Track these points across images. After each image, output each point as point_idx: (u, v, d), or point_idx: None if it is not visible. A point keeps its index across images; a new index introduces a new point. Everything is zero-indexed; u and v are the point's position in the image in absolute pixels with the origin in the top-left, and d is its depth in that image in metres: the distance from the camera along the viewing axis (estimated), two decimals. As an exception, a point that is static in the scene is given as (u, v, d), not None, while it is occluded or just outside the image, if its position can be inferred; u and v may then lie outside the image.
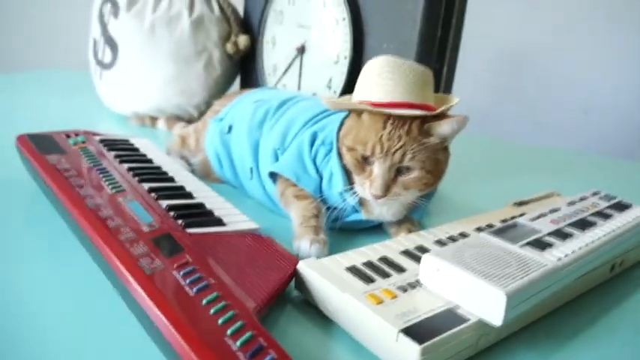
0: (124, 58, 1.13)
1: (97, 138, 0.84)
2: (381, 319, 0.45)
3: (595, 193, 0.72)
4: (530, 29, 2.13)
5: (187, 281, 0.45)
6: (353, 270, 0.54)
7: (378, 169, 0.63)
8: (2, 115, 1.19)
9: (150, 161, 0.78)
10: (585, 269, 0.55)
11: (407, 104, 0.62)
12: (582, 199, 0.70)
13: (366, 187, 0.64)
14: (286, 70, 1.07)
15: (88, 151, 0.75)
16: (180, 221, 0.58)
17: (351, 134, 0.65)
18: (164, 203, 0.62)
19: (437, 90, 0.87)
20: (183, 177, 0.74)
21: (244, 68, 1.22)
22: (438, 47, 0.84)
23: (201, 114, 1.09)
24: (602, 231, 0.59)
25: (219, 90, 1.17)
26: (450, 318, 0.47)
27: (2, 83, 1.59)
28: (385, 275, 0.53)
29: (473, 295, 0.47)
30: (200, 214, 0.62)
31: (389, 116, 0.62)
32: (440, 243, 0.62)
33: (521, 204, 0.76)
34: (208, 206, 0.65)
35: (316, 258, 0.60)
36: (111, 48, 1.14)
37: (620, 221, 0.62)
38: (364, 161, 0.64)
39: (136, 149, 0.83)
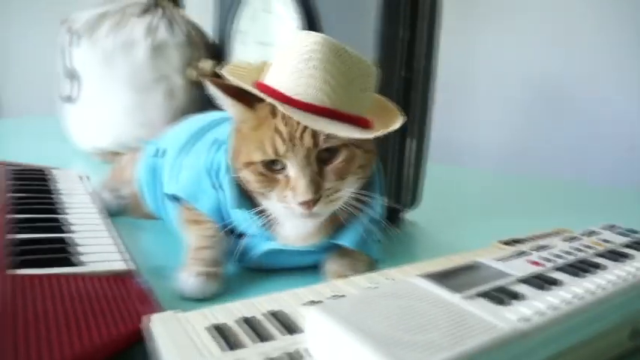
0: (85, 91, 1.04)
1: (11, 168, 0.73)
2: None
3: (610, 227, 0.52)
4: (566, 60, 1.94)
5: None
6: (217, 330, 0.37)
7: (293, 167, 0.47)
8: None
9: (48, 192, 0.65)
10: (575, 337, 0.35)
11: (330, 111, 0.46)
12: (590, 233, 0.50)
13: (290, 199, 0.48)
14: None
15: (-21, 182, 0.64)
16: (14, 259, 0.44)
17: (241, 149, 0.50)
18: (15, 237, 0.48)
19: (407, 107, 0.71)
20: (77, 210, 0.61)
21: (214, 96, 1.10)
22: (403, 52, 0.68)
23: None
24: (608, 277, 0.39)
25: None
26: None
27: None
28: (263, 338, 0.36)
29: (366, 375, 0.28)
30: (52, 251, 0.47)
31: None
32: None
33: (512, 242, 0.57)
34: (77, 242, 0.50)
35: (202, 295, 0.48)
36: (73, 80, 1.05)
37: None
38: (271, 171, 0.48)
39: (43, 179, 0.70)
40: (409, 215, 0.80)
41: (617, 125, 1.89)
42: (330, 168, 0.48)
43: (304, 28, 0.76)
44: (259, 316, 0.39)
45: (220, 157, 0.55)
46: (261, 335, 0.36)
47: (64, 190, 0.67)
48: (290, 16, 0.80)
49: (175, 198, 0.59)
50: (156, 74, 1.00)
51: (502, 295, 0.35)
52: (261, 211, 0.52)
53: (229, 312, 0.39)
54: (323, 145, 0.47)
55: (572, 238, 0.48)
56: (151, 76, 0.99)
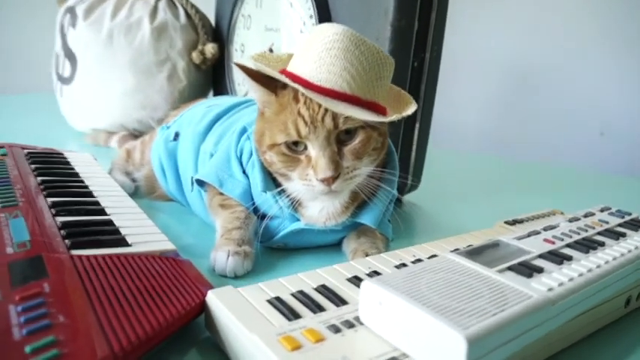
0: (82, 71, 1.04)
1: (25, 151, 0.73)
2: (288, 373, 0.32)
3: (604, 209, 0.58)
4: (540, 50, 2.02)
5: (22, 319, 0.33)
6: (276, 302, 0.41)
7: (314, 147, 0.51)
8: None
9: (74, 175, 0.67)
10: (589, 303, 0.41)
11: (349, 96, 0.50)
12: (587, 215, 0.56)
13: (311, 176, 0.51)
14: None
15: (1, 164, 0.64)
16: (67, 241, 0.46)
17: (265, 133, 0.53)
18: (60, 220, 0.50)
19: (417, 91, 0.75)
20: (107, 193, 0.63)
21: (216, 79, 1.12)
22: (415, 43, 0.72)
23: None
24: (612, 253, 0.45)
25: (186, 103, 1.06)
26: (392, 372, 0.33)
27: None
28: (318, 309, 0.40)
29: (424, 338, 0.33)
30: (100, 233, 0.50)
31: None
32: (403, 267, 0.48)
33: (514, 223, 0.62)
34: (118, 224, 0.53)
35: (234, 273, 0.52)
36: (70, 61, 1.05)
37: (635, 241, 0.48)
38: (293, 152, 0.52)
39: (66, 163, 0.72)
40: (407, 196, 0.85)
41: (589, 113, 1.99)
42: (347, 149, 0.52)
43: (316, 16, 0.79)
44: (309, 290, 0.43)
45: (244, 144, 0.58)
46: (317, 306, 0.40)
47: (85, 173, 0.68)
48: (301, 4, 0.82)
49: (202, 183, 0.62)
50: (158, 57, 1.00)
51: (528, 269, 0.40)
52: (285, 193, 0.56)
53: (281, 287, 0.43)
54: (342, 126, 0.50)
55: (574, 219, 0.54)
56: (153, 58, 1.00)
